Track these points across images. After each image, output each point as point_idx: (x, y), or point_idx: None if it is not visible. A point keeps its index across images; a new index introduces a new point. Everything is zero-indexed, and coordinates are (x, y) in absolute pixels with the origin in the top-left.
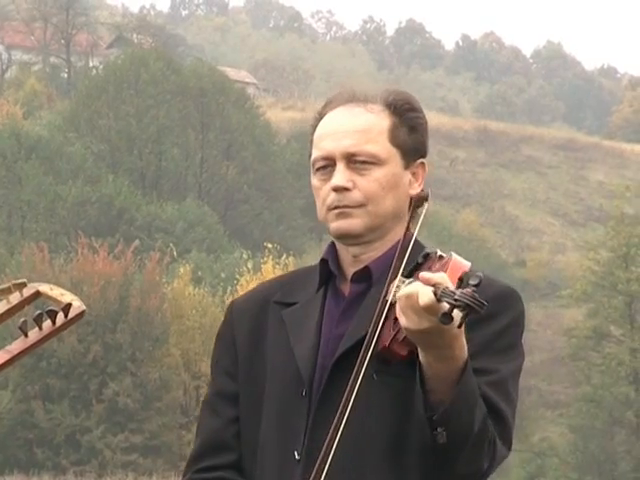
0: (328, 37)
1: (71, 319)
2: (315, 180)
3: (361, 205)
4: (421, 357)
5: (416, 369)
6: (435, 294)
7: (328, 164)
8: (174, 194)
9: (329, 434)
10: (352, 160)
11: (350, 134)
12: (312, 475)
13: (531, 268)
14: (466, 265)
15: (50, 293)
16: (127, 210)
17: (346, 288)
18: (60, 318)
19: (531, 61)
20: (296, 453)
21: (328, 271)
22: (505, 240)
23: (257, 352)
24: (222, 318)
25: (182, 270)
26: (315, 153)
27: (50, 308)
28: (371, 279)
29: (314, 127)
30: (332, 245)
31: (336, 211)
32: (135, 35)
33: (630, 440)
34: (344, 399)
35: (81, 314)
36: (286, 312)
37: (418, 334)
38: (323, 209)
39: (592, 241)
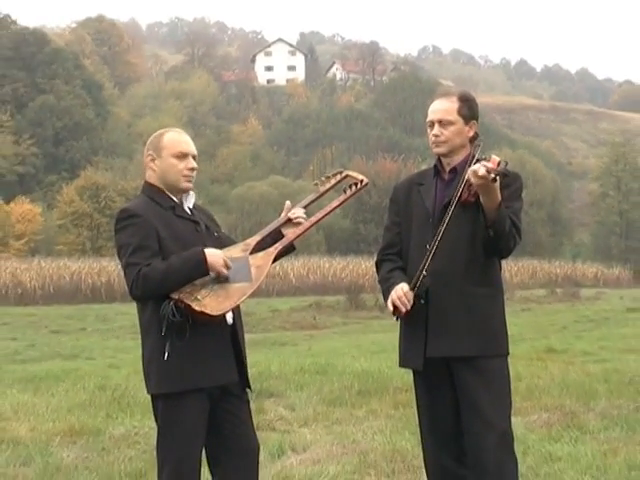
0: (486, 67)
1: (364, 185)
2: (428, 130)
3: (445, 142)
4: (482, 200)
5: (479, 208)
6: (487, 171)
7: (431, 123)
8: (420, 132)
9: (436, 234)
10: (441, 122)
11: (440, 111)
12: (429, 252)
13: (574, 166)
14: (498, 158)
15: (353, 174)
16: (398, 140)
17: (445, 177)
18: (359, 186)
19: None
20: (427, 245)
21: (437, 169)
22: (563, 153)
23: (407, 206)
24: None
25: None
26: (428, 118)
27: (354, 182)
28: (456, 172)
29: (428, 106)
30: (438, 157)
31: (434, 144)
32: (402, 66)
33: (617, 240)
34: (444, 219)
35: (367, 184)
36: (421, 188)
37: (480, 186)
38: (430, 143)
39: (601, 153)
